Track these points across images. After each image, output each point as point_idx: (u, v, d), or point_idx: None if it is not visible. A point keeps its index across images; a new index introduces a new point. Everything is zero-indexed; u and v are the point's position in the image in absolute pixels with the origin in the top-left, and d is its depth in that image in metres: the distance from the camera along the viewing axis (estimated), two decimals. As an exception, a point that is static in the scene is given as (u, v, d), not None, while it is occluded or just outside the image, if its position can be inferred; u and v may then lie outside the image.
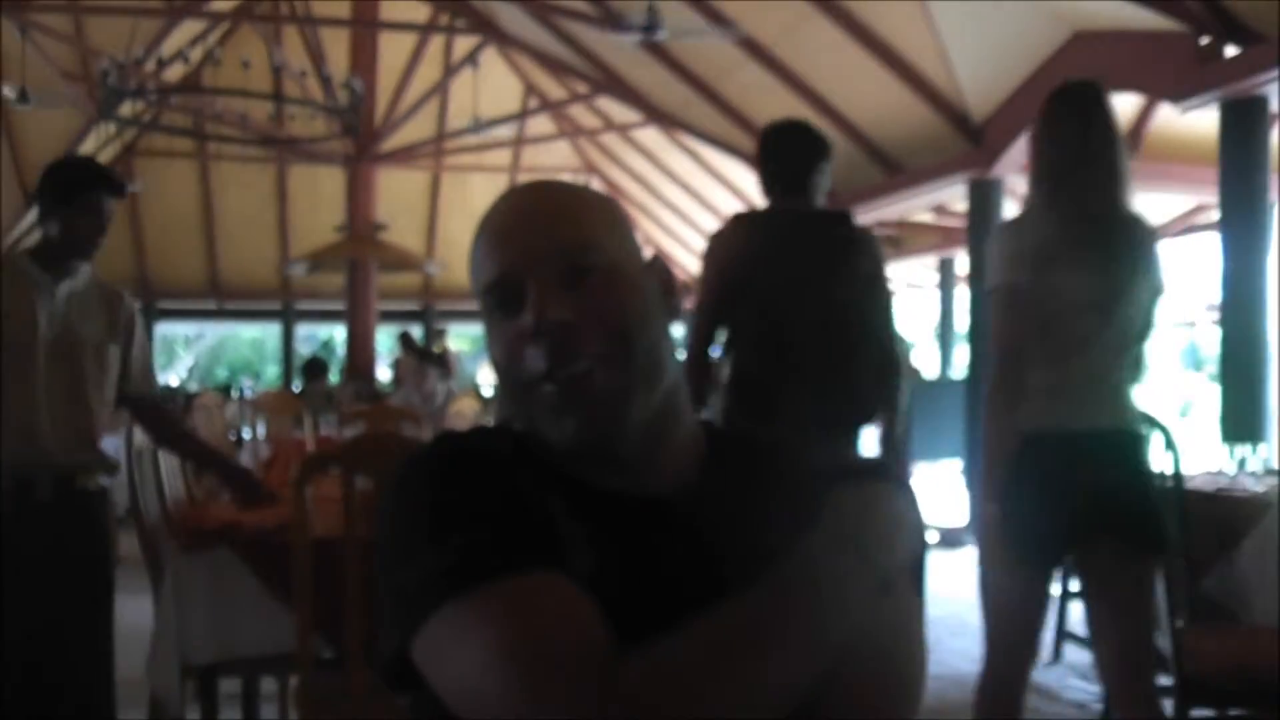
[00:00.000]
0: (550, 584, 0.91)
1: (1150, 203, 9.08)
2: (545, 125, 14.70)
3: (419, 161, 14.32)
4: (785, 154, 3.41)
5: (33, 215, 13.73)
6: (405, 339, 14.33)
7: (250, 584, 2.84)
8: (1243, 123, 5.37)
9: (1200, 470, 4.01)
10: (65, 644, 2.88)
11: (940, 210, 9.82)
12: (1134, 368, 2.72)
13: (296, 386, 11.65)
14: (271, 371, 26.11)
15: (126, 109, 9.02)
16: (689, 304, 2.85)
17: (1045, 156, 2.74)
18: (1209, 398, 10.90)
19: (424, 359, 9.33)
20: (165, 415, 3.43)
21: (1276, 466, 4.19)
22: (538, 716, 0.85)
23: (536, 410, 1.04)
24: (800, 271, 3.26)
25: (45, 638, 2.85)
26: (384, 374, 15.41)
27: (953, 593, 5.15)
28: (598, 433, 1.03)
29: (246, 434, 7.04)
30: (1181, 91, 5.59)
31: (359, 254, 12.42)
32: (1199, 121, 6.05)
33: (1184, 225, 9.62)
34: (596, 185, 13.85)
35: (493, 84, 12.22)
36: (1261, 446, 4.02)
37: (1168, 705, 2.85)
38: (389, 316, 14.80)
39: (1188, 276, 10.75)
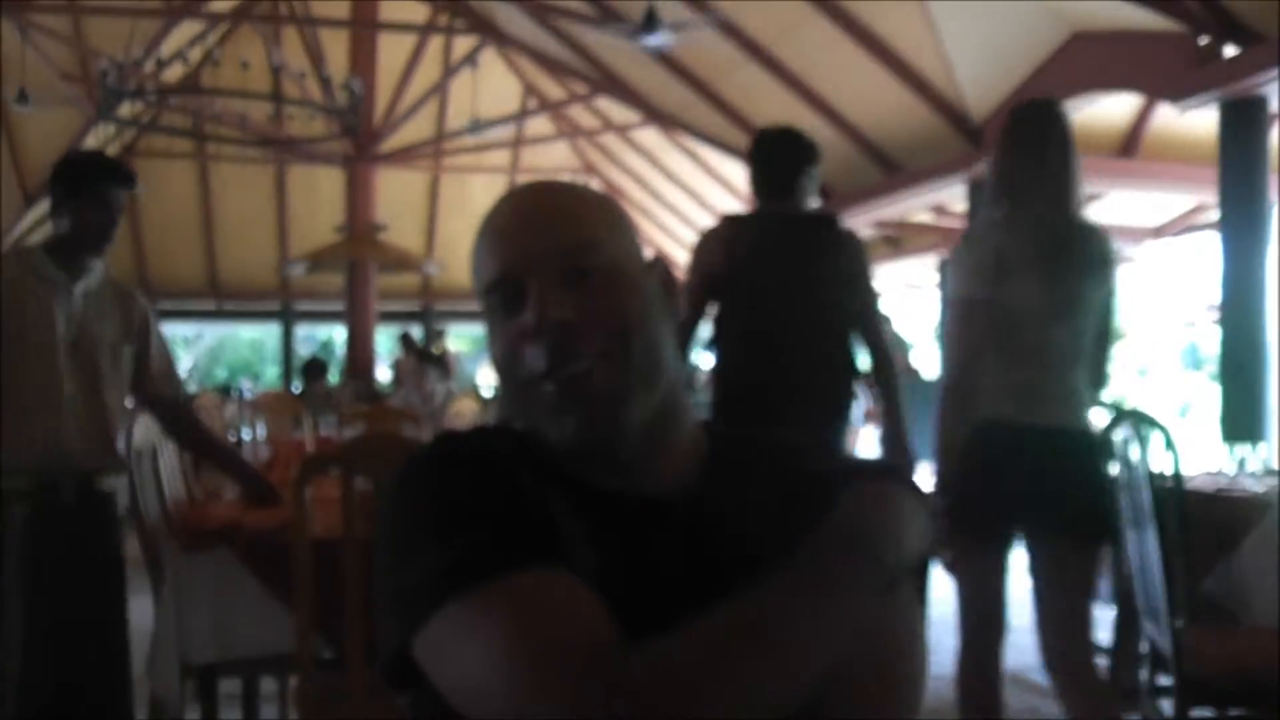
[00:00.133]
0: (555, 580, 0.91)
1: (1150, 203, 9.10)
2: (544, 126, 14.71)
3: (418, 162, 14.33)
4: (774, 158, 3.57)
5: (31, 217, 13.74)
6: (405, 339, 14.34)
7: (250, 584, 2.84)
8: (1242, 123, 5.38)
9: (1200, 470, 4.01)
10: (87, 644, 2.87)
11: (939, 210, 9.82)
12: (1095, 370, 2.91)
13: (296, 387, 11.65)
14: (271, 372, 26.12)
15: (126, 109, 9.03)
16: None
17: (1004, 171, 2.92)
18: (1209, 398, 10.91)
19: (423, 359, 9.33)
20: (189, 417, 3.44)
21: (1276, 467, 4.19)
22: (543, 713, 0.85)
23: (537, 410, 1.04)
24: (780, 270, 3.40)
25: (68, 638, 2.84)
26: (384, 374, 15.41)
27: (952, 593, 5.14)
28: (597, 432, 1.03)
29: (246, 435, 7.04)
30: (1181, 92, 5.59)
31: (358, 254, 12.43)
32: (1199, 121, 6.06)
33: (1184, 225, 9.63)
34: (595, 186, 13.85)
35: (492, 84, 12.23)
36: (1261, 446, 4.02)
37: (1167, 706, 2.86)
38: (388, 317, 14.81)
39: (1187, 277, 10.76)
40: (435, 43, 13.15)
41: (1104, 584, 3.94)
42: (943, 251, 11.06)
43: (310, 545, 2.46)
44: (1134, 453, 2.97)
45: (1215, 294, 5.90)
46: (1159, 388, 14.80)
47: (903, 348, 9.39)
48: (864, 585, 0.93)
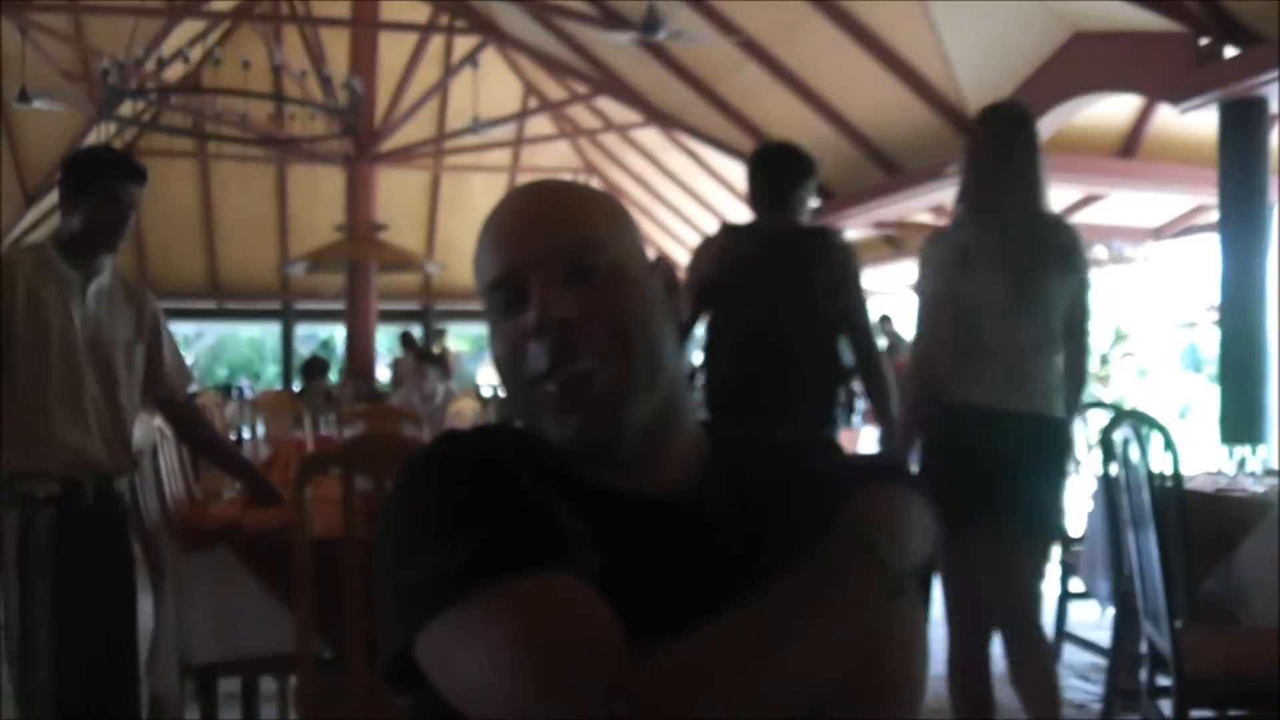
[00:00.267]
0: (559, 584, 0.91)
1: (1150, 203, 9.11)
2: (545, 125, 14.71)
3: (419, 161, 14.33)
4: (772, 172, 3.73)
5: (31, 217, 13.73)
6: (405, 339, 14.35)
7: (250, 584, 2.84)
8: (1242, 123, 5.38)
9: (1200, 471, 4.01)
10: (110, 646, 2.87)
11: (939, 210, 9.82)
12: (1072, 360, 3.06)
13: (296, 386, 11.65)
14: (271, 371, 26.12)
15: (126, 109, 9.03)
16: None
17: (972, 172, 3.10)
18: (1209, 399, 10.91)
19: (423, 359, 9.33)
20: (199, 419, 3.44)
21: (1276, 467, 4.19)
22: (546, 716, 0.85)
23: (538, 409, 1.04)
24: (772, 278, 3.58)
25: (96, 642, 2.83)
26: (384, 374, 15.41)
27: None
28: (599, 432, 1.03)
29: (246, 434, 7.04)
30: (1181, 92, 5.60)
31: (359, 254, 12.42)
32: (1199, 122, 6.06)
33: (1184, 226, 9.63)
34: (596, 185, 13.83)
35: (492, 84, 12.22)
36: (1261, 447, 4.02)
37: (1167, 706, 2.86)
38: (389, 316, 14.81)
39: (1187, 278, 10.77)
40: (436, 42, 13.14)
41: (1103, 584, 3.94)
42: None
43: (310, 545, 2.46)
44: (1134, 453, 2.97)
45: (1215, 295, 5.90)
46: (1159, 388, 14.79)
47: (903, 347, 9.39)
48: (869, 592, 0.93)
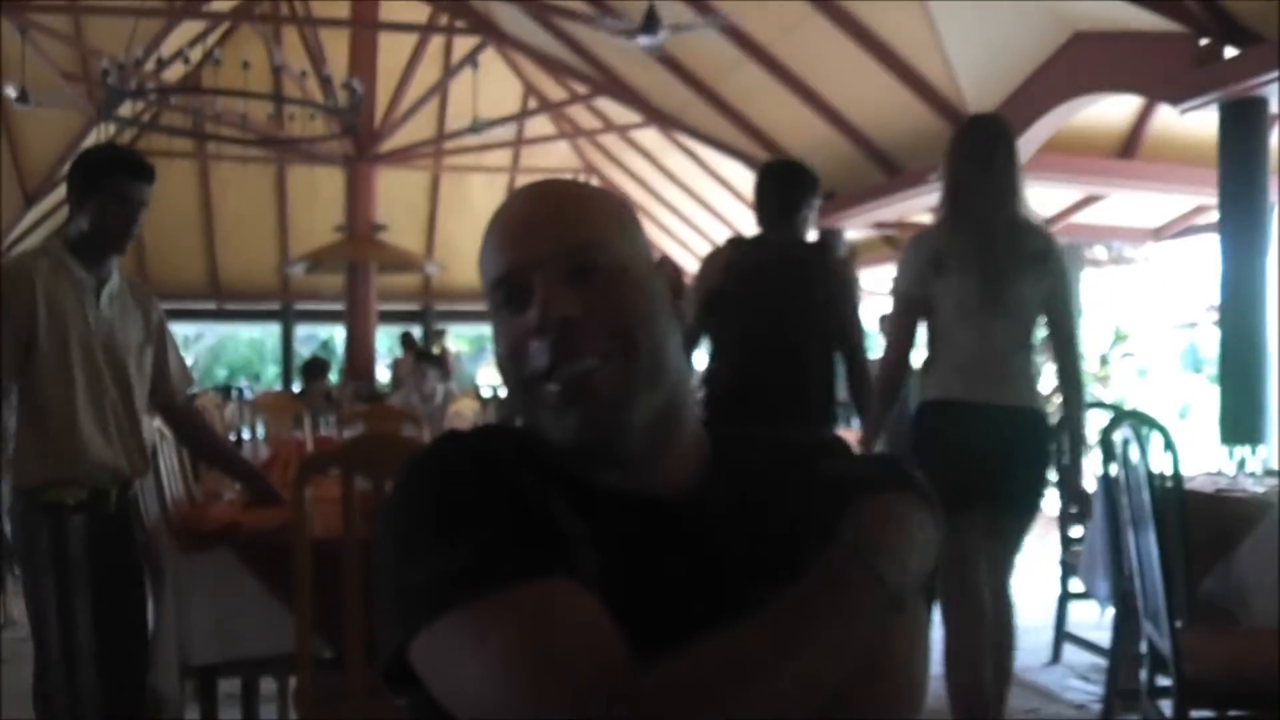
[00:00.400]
0: (560, 591, 0.91)
1: (1150, 204, 9.11)
2: (545, 126, 14.70)
3: (418, 162, 14.32)
4: (777, 189, 3.91)
5: (31, 217, 13.70)
6: (405, 339, 14.34)
7: (250, 584, 2.84)
8: (1242, 124, 5.38)
9: (1200, 471, 4.01)
10: (126, 647, 2.86)
11: (939, 211, 9.81)
12: (1062, 358, 3.23)
13: (296, 387, 11.65)
14: (271, 372, 26.11)
15: (126, 109, 9.02)
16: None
17: (952, 179, 3.28)
18: (1208, 399, 10.91)
19: (423, 359, 9.32)
20: (200, 421, 3.44)
21: (1275, 467, 4.19)
22: None
23: (539, 408, 1.04)
24: (772, 290, 3.77)
25: (129, 645, 2.83)
26: (384, 374, 15.41)
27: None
28: (600, 432, 1.02)
29: (246, 435, 7.04)
30: (1181, 93, 5.59)
31: (358, 254, 12.42)
32: (1199, 122, 6.06)
33: (1184, 226, 9.63)
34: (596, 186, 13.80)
35: (492, 85, 12.22)
36: (1260, 448, 4.02)
37: (1166, 707, 2.86)
38: (388, 317, 14.80)
39: (1187, 278, 10.77)
40: (435, 43, 13.14)
41: (1103, 585, 3.95)
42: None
43: (310, 545, 2.45)
44: (1134, 453, 2.97)
45: (1215, 295, 5.90)
46: (1159, 389, 14.79)
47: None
48: (866, 607, 0.93)
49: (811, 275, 3.83)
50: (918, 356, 3.42)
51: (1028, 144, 7.14)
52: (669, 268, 1.13)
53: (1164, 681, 2.89)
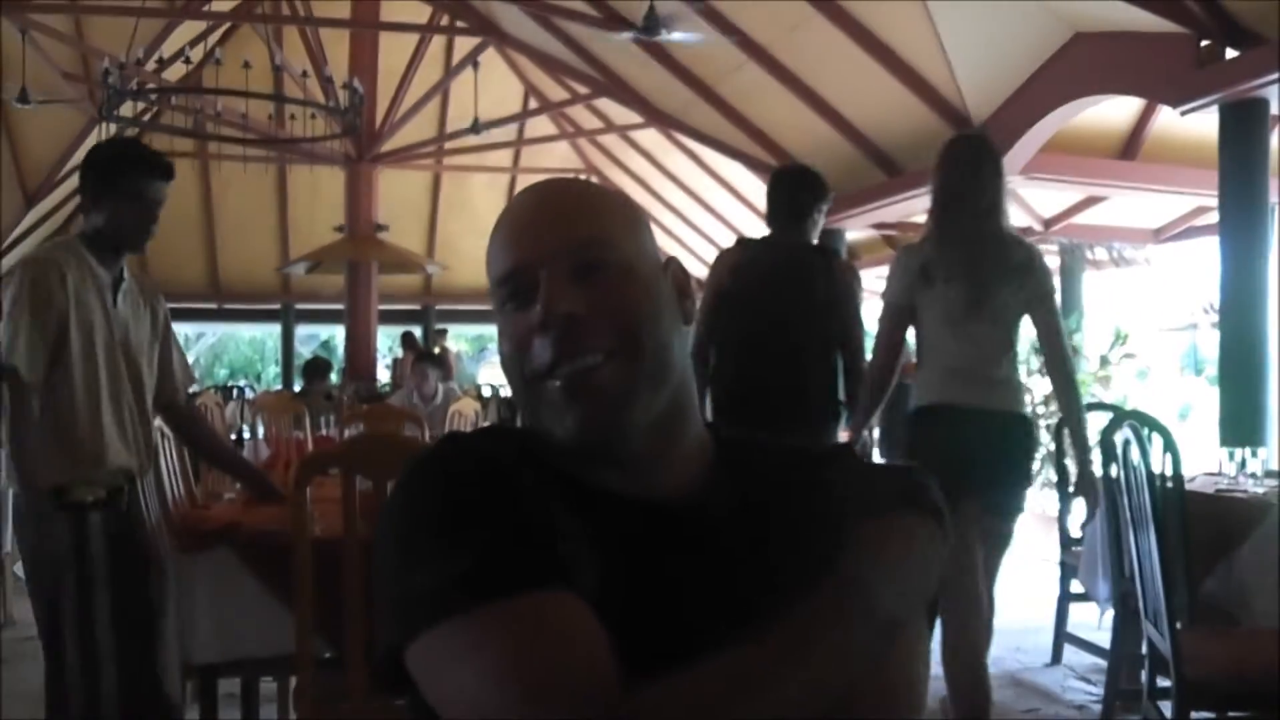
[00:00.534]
0: (556, 605, 0.90)
1: (1150, 205, 9.10)
2: (545, 126, 14.70)
3: (419, 162, 14.31)
4: (789, 194, 4.08)
5: (32, 217, 13.66)
6: (407, 339, 14.34)
7: (250, 585, 2.84)
8: (1243, 125, 5.37)
9: (1200, 472, 4.01)
10: (141, 646, 2.85)
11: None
12: (1054, 364, 3.40)
13: (297, 387, 11.64)
14: (271, 372, 26.12)
15: (127, 109, 9.01)
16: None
17: (939, 194, 3.44)
18: (1209, 400, 10.91)
19: (423, 359, 9.31)
20: (200, 419, 3.42)
21: (1276, 469, 4.19)
22: None
23: (542, 407, 1.03)
24: (775, 291, 3.91)
25: (146, 643, 2.82)
26: (384, 374, 15.41)
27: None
28: (601, 431, 1.02)
29: (246, 435, 7.04)
30: (1181, 94, 5.59)
31: (359, 255, 12.41)
32: (1199, 123, 6.05)
33: (1184, 227, 9.62)
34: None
35: (493, 85, 12.21)
36: (1261, 449, 4.02)
37: (1167, 708, 2.86)
38: (388, 317, 14.79)
39: (1188, 279, 10.76)
40: (436, 43, 13.13)
41: (1102, 586, 3.95)
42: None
43: (310, 545, 2.45)
44: (1134, 454, 2.97)
45: (1215, 296, 5.90)
46: (1159, 390, 14.79)
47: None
48: (860, 636, 0.92)
49: (814, 277, 3.94)
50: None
51: (1028, 145, 7.15)
52: (675, 268, 1.12)
53: (1164, 683, 2.89)
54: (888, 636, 0.93)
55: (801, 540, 0.99)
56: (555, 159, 15.37)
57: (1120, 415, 3.69)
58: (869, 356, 3.74)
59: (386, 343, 18.21)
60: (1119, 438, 3.10)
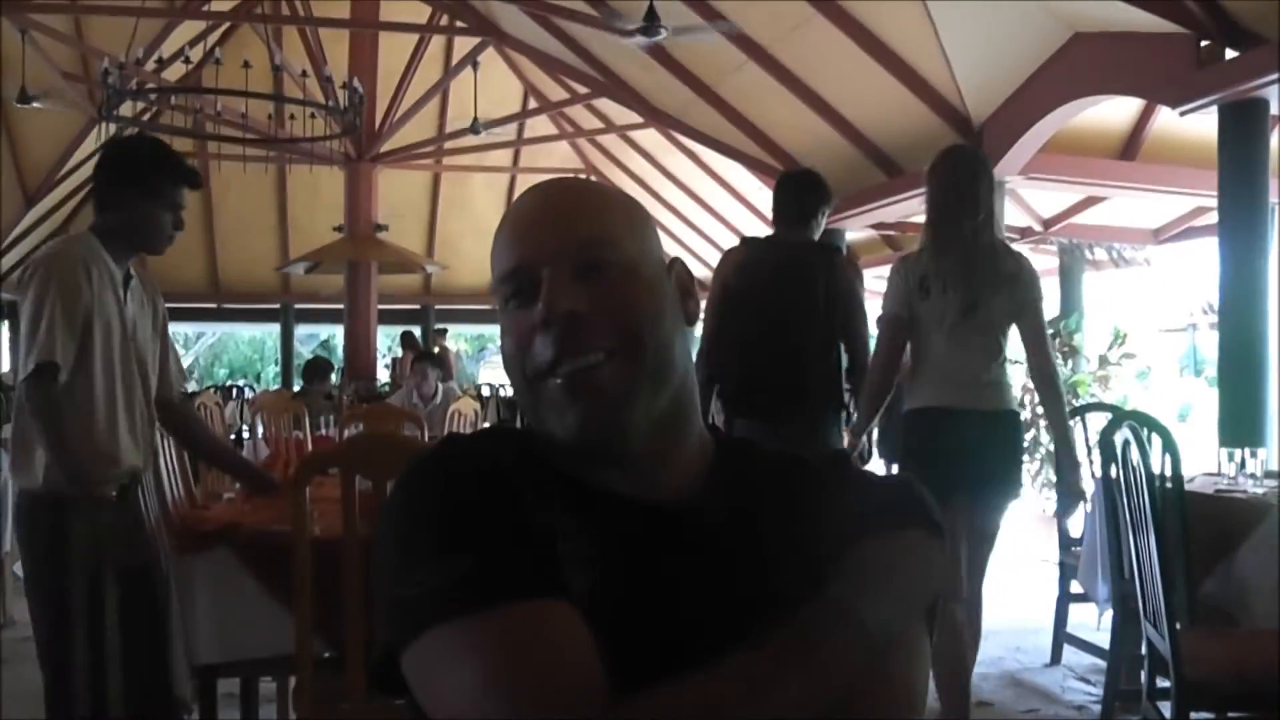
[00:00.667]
0: (550, 614, 0.90)
1: (1150, 205, 9.10)
2: (545, 126, 14.70)
3: (419, 162, 14.31)
4: (794, 196, 4.24)
5: (31, 217, 13.60)
6: (406, 338, 14.33)
7: (250, 585, 2.84)
8: (1242, 125, 5.37)
9: (1200, 473, 4.01)
10: (149, 647, 2.84)
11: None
12: (1037, 367, 3.57)
13: (296, 386, 11.64)
14: (271, 372, 26.11)
15: (126, 109, 9.01)
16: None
17: (934, 207, 3.61)
18: (1209, 401, 10.90)
19: (423, 359, 9.32)
20: (194, 417, 3.41)
21: (1276, 469, 4.19)
22: None
23: (543, 405, 1.03)
24: (777, 288, 4.05)
25: (139, 643, 2.81)
26: (384, 374, 15.40)
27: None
28: (601, 429, 1.02)
29: (246, 434, 7.03)
30: (1181, 95, 5.59)
31: (359, 254, 12.41)
32: (1199, 123, 6.05)
33: (1184, 227, 9.62)
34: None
35: (492, 85, 12.21)
36: (1261, 449, 4.01)
37: (1166, 709, 2.86)
38: (388, 317, 14.79)
39: (1187, 280, 10.77)
40: (436, 43, 13.13)
41: (1102, 587, 3.95)
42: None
43: (310, 546, 2.45)
44: (1134, 455, 2.97)
45: (1215, 297, 5.90)
46: (1159, 390, 14.79)
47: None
48: (847, 657, 0.91)
49: (816, 275, 4.07)
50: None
51: (1028, 145, 7.15)
52: (679, 269, 1.12)
53: (1164, 683, 2.89)
54: (883, 652, 0.93)
55: (797, 548, 0.99)
56: (555, 159, 15.36)
57: (1120, 416, 3.70)
58: (870, 355, 3.84)
59: (386, 342, 18.21)
60: (1118, 438, 3.10)
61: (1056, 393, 3.60)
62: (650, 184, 13.95)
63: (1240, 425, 5.25)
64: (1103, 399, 8.08)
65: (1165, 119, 7.13)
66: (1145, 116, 7.52)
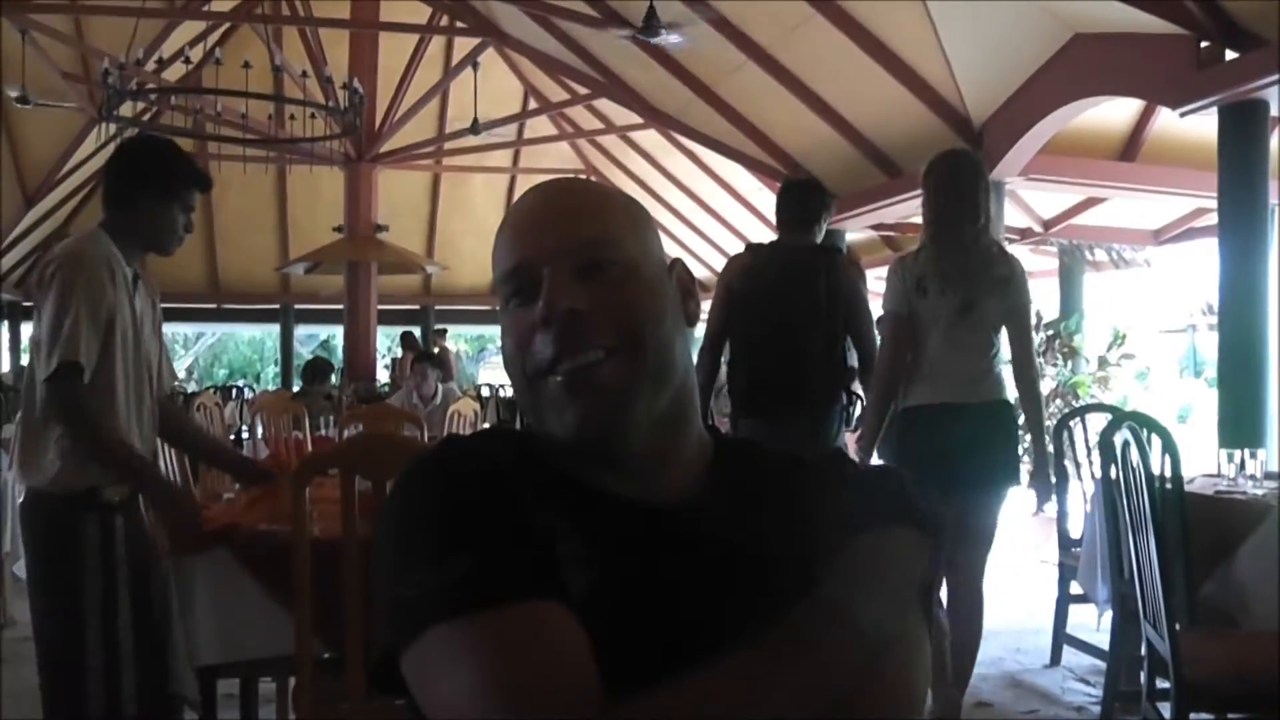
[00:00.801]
0: (546, 615, 0.91)
1: (1150, 206, 9.10)
2: (545, 127, 14.71)
3: (419, 162, 14.31)
4: (798, 202, 4.41)
5: (31, 217, 13.55)
6: (406, 339, 14.33)
7: (250, 585, 2.83)
8: (1242, 126, 5.37)
9: (1199, 474, 4.01)
10: (158, 647, 2.84)
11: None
12: (1019, 363, 3.74)
13: (296, 387, 11.64)
14: (270, 372, 26.11)
15: (126, 109, 9.01)
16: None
17: (931, 210, 3.78)
18: (1208, 402, 10.90)
19: (423, 359, 9.32)
20: (181, 414, 3.41)
21: (1275, 470, 4.19)
22: None
23: (543, 404, 1.03)
24: (781, 291, 4.20)
25: (150, 644, 2.81)
26: (383, 375, 15.39)
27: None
28: (601, 428, 1.02)
29: (245, 435, 7.03)
30: (1181, 96, 5.59)
31: (359, 255, 12.40)
32: (1199, 125, 6.05)
33: (1184, 228, 9.62)
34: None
35: (492, 85, 12.21)
36: (1260, 450, 4.01)
37: (1166, 710, 2.86)
38: (388, 317, 14.79)
39: (1187, 281, 10.77)
40: (436, 43, 13.13)
41: (1101, 588, 3.95)
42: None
43: (309, 546, 2.45)
44: (1134, 456, 2.97)
45: (1215, 298, 5.90)
46: (1159, 392, 14.80)
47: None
48: (840, 657, 0.92)
49: (818, 277, 4.21)
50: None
51: (1028, 146, 7.15)
52: (680, 270, 1.13)
53: (1164, 684, 2.89)
54: (878, 651, 0.93)
55: (796, 548, 0.99)
56: (555, 159, 15.37)
57: (1119, 417, 3.70)
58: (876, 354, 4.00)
59: (386, 343, 18.22)
60: (1118, 439, 3.10)
61: (1036, 394, 3.83)
62: (650, 185, 13.96)
63: (1240, 426, 5.25)
64: (1102, 400, 8.08)
65: (1165, 120, 7.13)
66: (1145, 117, 7.52)
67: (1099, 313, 10.67)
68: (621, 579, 0.97)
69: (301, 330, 20.74)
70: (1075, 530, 4.59)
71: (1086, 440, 4.82)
